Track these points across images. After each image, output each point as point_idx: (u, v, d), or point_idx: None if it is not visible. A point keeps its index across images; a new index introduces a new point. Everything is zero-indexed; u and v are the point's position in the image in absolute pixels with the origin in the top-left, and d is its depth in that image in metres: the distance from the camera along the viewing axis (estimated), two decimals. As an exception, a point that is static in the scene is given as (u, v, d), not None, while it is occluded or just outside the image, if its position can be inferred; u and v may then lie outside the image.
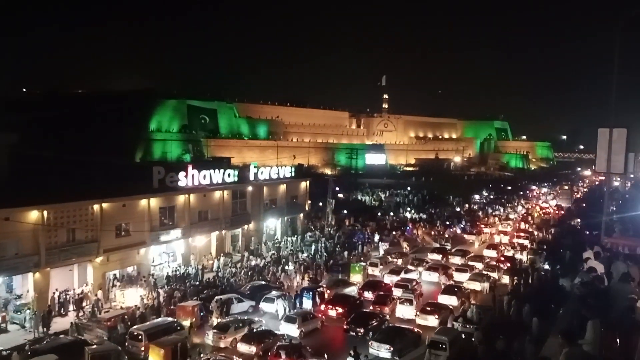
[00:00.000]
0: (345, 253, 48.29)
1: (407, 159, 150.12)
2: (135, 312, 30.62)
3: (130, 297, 33.36)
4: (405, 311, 32.89)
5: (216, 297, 32.71)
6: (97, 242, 34.37)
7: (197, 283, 37.22)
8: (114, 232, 35.69)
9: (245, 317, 30.91)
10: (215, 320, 30.49)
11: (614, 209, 62.02)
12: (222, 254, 43.70)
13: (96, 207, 34.48)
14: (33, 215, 30.90)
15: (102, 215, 34.72)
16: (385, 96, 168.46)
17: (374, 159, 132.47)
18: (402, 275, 40.67)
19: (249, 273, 40.53)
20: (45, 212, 31.29)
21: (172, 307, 32.18)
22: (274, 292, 34.80)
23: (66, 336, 27.03)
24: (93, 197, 34.37)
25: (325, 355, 25.20)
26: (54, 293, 31.96)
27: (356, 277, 41.07)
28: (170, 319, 29.18)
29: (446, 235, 60.23)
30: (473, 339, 26.09)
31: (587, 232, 50.32)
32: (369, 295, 35.70)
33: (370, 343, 27.17)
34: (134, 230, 37.11)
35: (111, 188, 36.70)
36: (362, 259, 47.24)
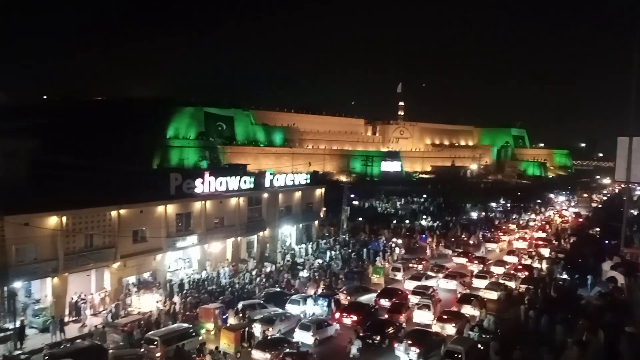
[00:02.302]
0: (361, 262, 48.14)
1: (423, 167, 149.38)
2: (151, 318, 30.82)
3: (147, 303, 33.61)
4: (423, 316, 32.80)
5: (241, 303, 33.04)
6: (115, 248, 34.67)
7: (211, 289, 37.35)
8: (131, 238, 36.00)
9: (287, 313, 32.14)
10: None
11: (635, 213, 61.06)
12: (226, 263, 43.52)
13: (114, 213, 34.83)
14: (52, 220, 31.30)
15: (119, 221, 35.06)
16: (401, 103, 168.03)
17: (389, 166, 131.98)
18: (422, 281, 40.75)
19: (264, 280, 40.63)
20: (64, 218, 31.66)
21: (187, 312, 32.37)
22: (299, 295, 35.77)
23: (83, 341, 27.30)
24: (111, 203, 34.72)
25: None
26: (72, 298, 32.35)
27: (377, 279, 42.17)
28: (185, 324, 29.34)
29: (471, 242, 60.60)
30: (489, 349, 25.87)
31: (607, 242, 49.64)
32: (385, 302, 35.62)
33: (396, 345, 27.37)
34: (150, 237, 37.36)
35: (128, 194, 37.03)
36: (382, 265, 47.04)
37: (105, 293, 34.19)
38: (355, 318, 31.86)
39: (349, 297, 36.73)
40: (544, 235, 66.60)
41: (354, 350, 26.82)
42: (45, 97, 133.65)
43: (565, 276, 41.05)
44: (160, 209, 38.41)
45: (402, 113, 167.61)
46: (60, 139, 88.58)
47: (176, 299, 34.55)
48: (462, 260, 49.92)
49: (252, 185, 46.14)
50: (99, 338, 27.91)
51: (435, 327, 30.95)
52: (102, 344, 26.76)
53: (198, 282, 38.56)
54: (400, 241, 56.58)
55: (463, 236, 63.86)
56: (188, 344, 26.73)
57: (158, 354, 25.64)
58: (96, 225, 33.95)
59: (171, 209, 39.21)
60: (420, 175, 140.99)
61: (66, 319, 30.73)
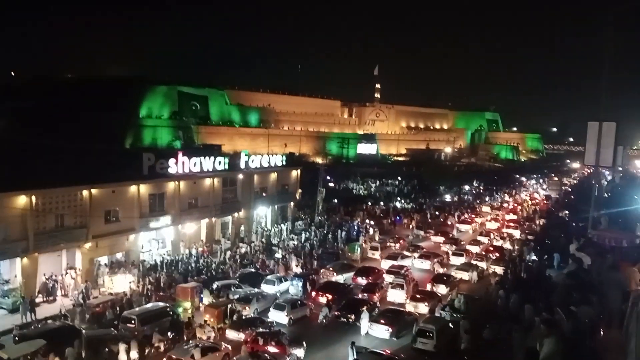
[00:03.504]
0: (336, 243, 48.49)
1: (398, 149, 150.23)
2: (124, 298, 30.61)
3: (119, 283, 33.32)
4: (396, 296, 33.37)
5: (216, 283, 33.09)
6: (86, 228, 34.13)
7: (185, 269, 37.18)
8: (103, 218, 35.49)
9: (264, 292, 32.53)
10: None
11: (606, 195, 62.86)
12: (200, 243, 43.27)
13: (85, 192, 34.23)
14: (21, 200, 30.60)
15: (91, 201, 34.49)
16: (378, 86, 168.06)
17: (365, 148, 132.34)
18: (399, 261, 41.55)
19: (239, 261, 40.63)
20: (33, 198, 30.99)
21: (160, 293, 32.25)
22: (275, 275, 36.22)
23: (54, 321, 27.01)
24: (82, 182, 34.11)
25: (304, 344, 25.36)
26: (42, 279, 31.88)
27: (353, 257, 43.96)
28: (161, 303, 29.29)
29: (449, 222, 61.93)
30: (460, 328, 26.43)
31: (574, 224, 50.93)
32: (362, 281, 36.20)
33: (369, 324, 27.87)
34: (123, 217, 36.90)
35: (100, 174, 36.36)
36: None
37: (77, 273, 33.76)
38: (330, 297, 32.19)
39: (335, 274, 37.46)
40: (515, 217, 68.10)
41: (321, 317, 29.35)
42: (13, 74, 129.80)
43: (534, 257, 42.03)
44: (132, 189, 37.90)
45: (379, 95, 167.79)
46: (31, 118, 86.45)
47: (149, 279, 34.31)
48: (440, 240, 51.42)
49: (226, 166, 45.77)
50: (77, 318, 27.63)
51: (409, 307, 31.50)
52: (74, 325, 26.51)
53: (171, 263, 38.35)
54: (373, 222, 57.30)
55: (439, 218, 64.92)
56: (166, 322, 26.81)
57: (135, 333, 25.53)
58: (67, 205, 33.36)
59: (144, 189, 38.73)
60: (396, 158, 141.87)
61: (37, 300, 30.31)
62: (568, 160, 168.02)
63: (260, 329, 26.26)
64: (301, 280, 34.77)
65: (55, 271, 33.14)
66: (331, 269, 38.64)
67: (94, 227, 34.59)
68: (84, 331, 25.09)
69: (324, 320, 29.48)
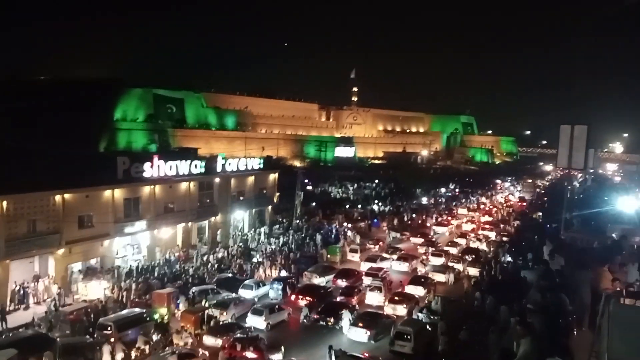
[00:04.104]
0: (314, 246, 48.47)
1: (375, 152, 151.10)
2: (98, 305, 30.12)
3: (93, 290, 32.78)
4: (374, 298, 33.52)
5: (193, 288, 32.85)
6: (59, 234, 33.49)
7: (162, 275, 36.75)
8: (76, 223, 34.84)
9: (242, 297, 32.36)
10: None
11: (576, 197, 64.28)
12: (176, 249, 42.86)
13: (58, 197, 33.61)
14: (-9, 205, 29.93)
15: (64, 206, 33.88)
16: (355, 89, 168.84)
17: (343, 151, 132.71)
18: (378, 263, 41.87)
19: (215, 266, 40.33)
20: (4, 203, 30.31)
21: (136, 299, 31.83)
22: (252, 280, 36.13)
23: (27, 330, 26.44)
24: (55, 187, 33.48)
25: (283, 348, 25.35)
26: (17, 285, 31.19)
27: (332, 259, 44.32)
28: (138, 309, 28.89)
29: (428, 224, 63.09)
30: (437, 330, 26.69)
31: (548, 226, 51.89)
32: (342, 283, 36.33)
33: (348, 328, 27.95)
34: (97, 222, 36.31)
35: (74, 178, 35.68)
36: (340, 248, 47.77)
37: (50, 280, 33.10)
38: (309, 300, 32.14)
39: (316, 277, 37.60)
40: (490, 219, 69.01)
41: (301, 316, 29.82)
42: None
43: (509, 258, 42.65)
44: (107, 193, 37.34)
45: (356, 99, 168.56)
46: (2, 120, 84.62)
47: (125, 285, 33.83)
48: (419, 241, 52.02)
49: (203, 170, 45.43)
50: (50, 325, 27.09)
51: (387, 309, 31.63)
52: (47, 333, 25.99)
53: (147, 269, 37.87)
54: (351, 225, 57.55)
55: (417, 220, 65.58)
56: (142, 328, 26.51)
57: (112, 340, 25.14)
58: (39, 210, 32.68)
59: (119, 193, 38.20)
60: (373, 161, 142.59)
61: (8, 308, 29.64)
62: (541, 163, 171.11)
63: (238, 335, 26.11)
64: (281, 283, 34.70)
65: (27, 278, 32.44)
66: (312, 271, 38.65)
67: (67, 232, 33.95)
68: (58, 339, 24.63)
69: (305, 320, 29.63)
